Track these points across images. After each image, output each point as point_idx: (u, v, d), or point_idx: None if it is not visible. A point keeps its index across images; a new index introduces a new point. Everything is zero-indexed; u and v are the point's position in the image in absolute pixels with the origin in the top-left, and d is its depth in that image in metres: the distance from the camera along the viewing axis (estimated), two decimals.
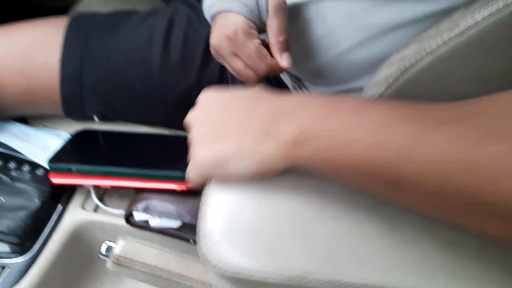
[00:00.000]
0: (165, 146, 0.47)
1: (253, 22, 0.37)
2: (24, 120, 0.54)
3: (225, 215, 0.26)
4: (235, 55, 0.37)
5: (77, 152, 0.46)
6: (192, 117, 0.32)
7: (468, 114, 0.22)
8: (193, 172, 0.29)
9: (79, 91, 0.47)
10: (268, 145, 0.26)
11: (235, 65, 0.38)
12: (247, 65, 0.37)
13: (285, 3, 0.37)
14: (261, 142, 0.27)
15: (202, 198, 0.28)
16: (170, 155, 0.45)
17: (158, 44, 0.48)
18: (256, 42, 0.36)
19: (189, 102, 0.52)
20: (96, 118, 0.50)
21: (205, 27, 0.50)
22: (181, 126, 0.51)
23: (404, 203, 0.24)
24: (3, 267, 0.39)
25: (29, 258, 0.39)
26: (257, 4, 0.37)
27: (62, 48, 0.47)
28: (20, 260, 0.39)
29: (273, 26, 0.36)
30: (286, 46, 0.37)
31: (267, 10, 0.37)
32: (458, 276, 0.24)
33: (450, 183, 0.20)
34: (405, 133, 0.22)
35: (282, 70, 0.37)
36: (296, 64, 0.45)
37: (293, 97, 0.29)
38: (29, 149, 0.48)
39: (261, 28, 0.38)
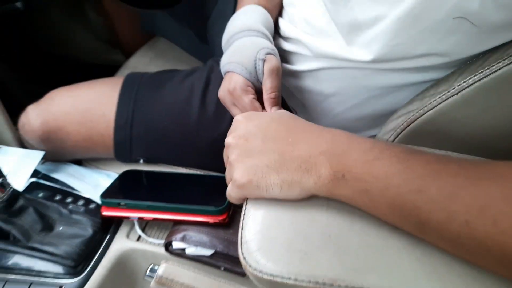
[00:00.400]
0: (200, 184, 0.54)
1: (250, 81, 0.45)
2: (79, 162, 0.63)
3: (263, 227, 0.29)
4: (234, 105, 0.46)
5: (125, 189, 0.53)
6: (231, 141, 0.33)
7: (497, 175, 0.25)
8: (234, 193, 0.32)
9: (129, 138, 0.56)
10: (309, 180, 0.29)
11: (234, 113, 0.46)
12: None
13: (279, 67, 0.45)
14: (303, 174, 0.29)
15: (243, 210, 0.31)
16: (204, 192, 0.51)
17: (197, 99, 0.56)
18: (251, 97, 0.44)
19: (221, 148, 0.60)
20: (141, 161, 0.58)
21: None
22: (212, 167, 0.58)
23: (428, 241, 0.27)
24: (60, 287, 0.45)
25: (81, 280, 0.45)
26: (255, 68, 0.45)
27: (118, 102, 0.56)
28: (74, 281, 0.45)
29: (267, 85, 0.44)
30: (277, 102, 0.44)
31: (263, 72, 0.45)
32: (479, 285, 0.26)
33: (475, 232, 0.23)
34: (442, 185, 0.25)
35: None
36: (310, 119, 0.52)
37: (337, 136, 0.31)
38: (83, 187, 0.56)
39: (258, 87, 0.46)
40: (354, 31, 0.40)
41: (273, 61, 0.45)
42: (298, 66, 0.49)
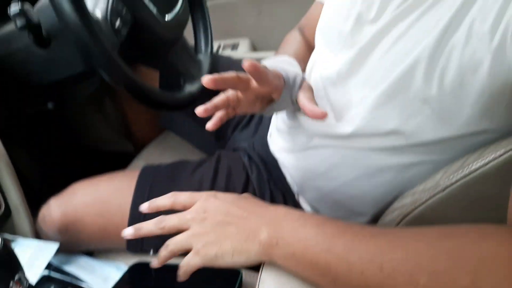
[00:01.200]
0: (207, 275, 0.54)
1: (283, 78, 0.48)
2: (89, 251, 0.64)
3: None
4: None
5: (133, 283, 0.54)
6: (196, 215, 0.40)
7: (387, 231, 0.33)
8: (194, 261, 0.38)
9: None
10: (254, 246, 0.37)
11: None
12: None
13: (311, 89, 0.51)
14: (250, 243, 0.37)
15: None
16: (211, 282, 0.52)
17: (206, 190, 0.60)
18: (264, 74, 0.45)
19: None
20: (151, 253, 0.60)
21: (243, 172, 0.63)
22: None
23: None
24: None
25: None
26: (295, 78, 0.50)
27: (134, 194, 0.60)
28: None
29: (306, 95, 0.48)
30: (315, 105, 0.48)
31: (300, 86, 0.50)
32: None
33: (368, 281, 0.29)
34: (346, 243, 0.32)
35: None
36: (311, 195, 0.57)
37: (278, 210, 0.39)
38: (93, 280, 0.57)
39: (278, 86, 0.48)
40: (345, 109, 0.47)
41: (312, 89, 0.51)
42: (295, 145, 0.56)
